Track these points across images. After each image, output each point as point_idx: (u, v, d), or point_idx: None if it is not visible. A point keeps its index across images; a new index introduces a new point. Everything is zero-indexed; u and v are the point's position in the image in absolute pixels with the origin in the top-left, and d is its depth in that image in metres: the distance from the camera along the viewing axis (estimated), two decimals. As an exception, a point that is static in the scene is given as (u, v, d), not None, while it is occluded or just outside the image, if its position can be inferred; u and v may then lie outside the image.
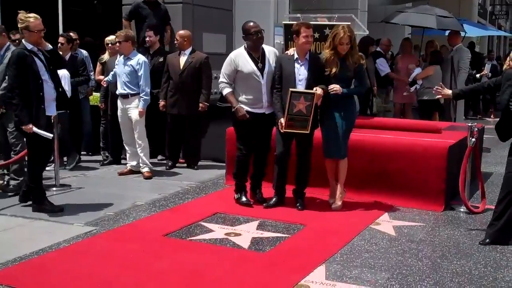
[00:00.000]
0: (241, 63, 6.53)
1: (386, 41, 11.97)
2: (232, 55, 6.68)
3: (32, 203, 6.53)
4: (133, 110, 8.22)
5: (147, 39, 9.25)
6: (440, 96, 6.42)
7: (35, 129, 6.22)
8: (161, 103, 8.78)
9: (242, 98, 6.58)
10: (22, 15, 6.32)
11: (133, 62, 8.20)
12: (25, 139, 6.61)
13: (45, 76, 6.33)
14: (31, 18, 6.28)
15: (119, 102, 8.38)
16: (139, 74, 8.18)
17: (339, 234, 5.83)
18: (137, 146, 8.29)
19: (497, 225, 5.56)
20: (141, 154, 8.26)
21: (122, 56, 8.35)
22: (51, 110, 6.50)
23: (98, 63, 9.51)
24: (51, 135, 6.48)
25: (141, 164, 8.34)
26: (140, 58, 8.26)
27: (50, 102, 6.42)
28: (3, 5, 9.72)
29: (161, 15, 9.60)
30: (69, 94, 7.70)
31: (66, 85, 7.73)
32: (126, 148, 8.47)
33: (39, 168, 6.55)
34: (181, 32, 8.88)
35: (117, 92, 8.38)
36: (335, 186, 6.81)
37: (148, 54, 9.18)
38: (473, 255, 5.28)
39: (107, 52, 9.37)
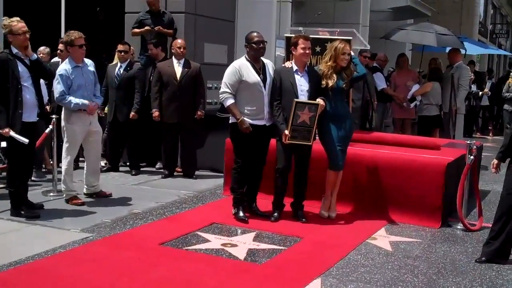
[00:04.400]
0: (245, 73, 6.46)
1: (382, 56, 12.00)
2: (235, 64, 6.58)
3: (11, 207, 6.51)
4: (96, 121, 7.34)
5: (149, 52, 9.26)
6: None
7: (12, 133, 6.21)
8: (156, 113, 8.67)
9: (245, 109, 6.48)
10: (5, 20, 6.36)
11: (91, 67, 7.26)
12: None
13: (27, 82, 6.34)
14: (14, 22, 6.32)
15: (80, 119, 7.04)
16: (96, 78, 7.38)
17: (336, 247, 5.83)
18: (95, 162, 7.49)
19: (494, 244, 5.55)
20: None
21: (71, 64, 7.03)
22: (31, 116, 6.41)
23: None
24: (27, 140, 6.31)
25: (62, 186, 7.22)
26: (89, 61, 7.37)
27: (29, 108, 6.38)
28: (6, 13, 9.72)
29: (164, 25, 9.58)
30: (45, 100, 7.43)
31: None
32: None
33: (17, 172, 6.48)
34: (181, 41, 8.86)
35: (81, 105, 6.98)
36: (330, 198, 6.83)
37: (152, 65, 9.21)
38: (469, 273, 5.27)
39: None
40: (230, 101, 6.47)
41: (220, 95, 6.60)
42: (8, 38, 6.37)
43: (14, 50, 6.30)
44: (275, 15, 11.42)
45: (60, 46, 8.68)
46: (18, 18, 6.37)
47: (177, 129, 8.78)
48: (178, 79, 8.65)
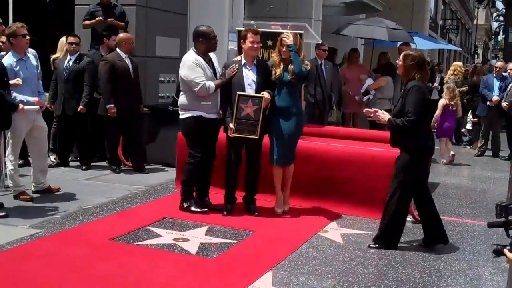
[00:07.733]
0: (203, 67, 6.42)
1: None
2: (191, 59, 6.43)
3: None
4: (40, 117, 7.09)
5: (114, 42, 8.87)
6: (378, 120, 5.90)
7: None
8: (114, 109, 8.40)
9: (201, 103, 6.42)
10: None
11: (34, 61, 7.05)
12: None
13: None
14: None
15: (24, 115, 6.65)
16: (39, 71, 7.15)
17: (287, 241, 5.85)
18: (42, 159, 7.26)
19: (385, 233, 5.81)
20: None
21: (15, 57, 6.83)
22: None
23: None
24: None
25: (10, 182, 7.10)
26: (33, 51, 7.15)
27: None
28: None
29: (115, 18, 9.43)
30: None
31: None
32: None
33: None
34: (130, 35, 8.75)
35: (26, 102, 6.72)
36: (281, 194, 6.84)
37: (100, 56, 9.06)
38: (418, 264, 5.37)
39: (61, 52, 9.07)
40: (210, 84, 6.36)
41: (196, 87, 6.34)
42: None
43: None
44: (228, 8, 11.38)
45: (3, 38, 8.00)
46: None
47: (124, 123, 8.64)
48: (131, 73, 8.56)
